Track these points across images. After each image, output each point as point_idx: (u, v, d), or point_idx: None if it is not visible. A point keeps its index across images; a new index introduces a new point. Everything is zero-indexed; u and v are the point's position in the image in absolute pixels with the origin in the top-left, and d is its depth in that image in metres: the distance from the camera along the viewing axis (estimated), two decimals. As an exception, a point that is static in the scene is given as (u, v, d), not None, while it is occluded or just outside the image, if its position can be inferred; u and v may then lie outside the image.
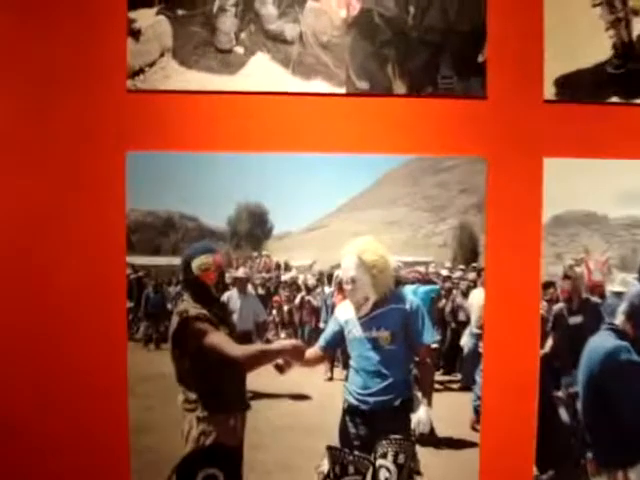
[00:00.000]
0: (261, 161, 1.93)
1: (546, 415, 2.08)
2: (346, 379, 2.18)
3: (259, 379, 1.88)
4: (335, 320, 2.25)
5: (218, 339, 1.73)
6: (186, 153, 1.86)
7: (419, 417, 2.01)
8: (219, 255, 1.94)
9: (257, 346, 1.94)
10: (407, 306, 2.09)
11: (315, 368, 2.25)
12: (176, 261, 2.00)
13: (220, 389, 1.75)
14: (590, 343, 1.93)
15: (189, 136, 1.85)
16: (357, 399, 2.04)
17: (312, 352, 2.15)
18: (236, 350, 1.71)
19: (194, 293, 1.87)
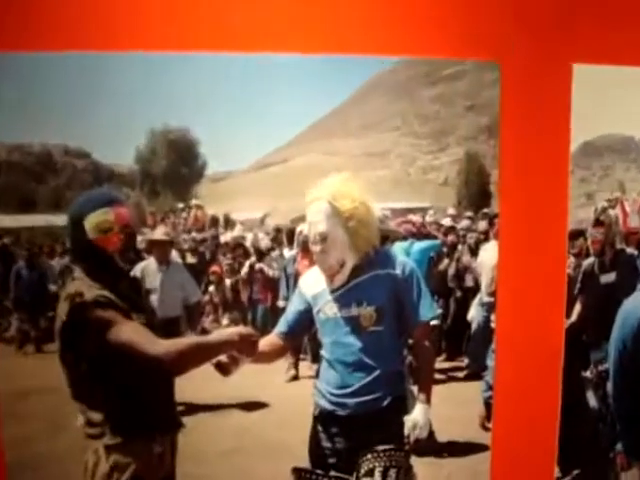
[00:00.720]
0: (187, 65, 1.78)
1: (571, 402, 2.15)
2: (317, 376, 2.18)
3: (194, 386, 1.83)
4: (300, 296, 2.20)
5: (130, 333, 1.61)
6: (71, 53, 1.68)
7: (415, 419, 2.00)
8: (125, 208, 1.80)
9: (188, 339, 1.82)
10: (397, 271, 2.05)
11: (273, 365, 2.21)
12: (60, 220, 1.84)
13: (137, 404, 1.66)
14: (624, 307, 1.98)
15: (74, 28, 1.66)
16: (332, 402, 2.03)
17: (268, 342, 2.12)
18: (158, 347, 1.61)
19: (90, 266, 1.73)
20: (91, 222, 1.71)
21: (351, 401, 2.00)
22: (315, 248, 2.05)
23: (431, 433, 2.15)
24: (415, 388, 2.10)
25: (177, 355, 1.60)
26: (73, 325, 1.61)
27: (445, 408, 2.28)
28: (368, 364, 1.99)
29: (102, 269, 1.73)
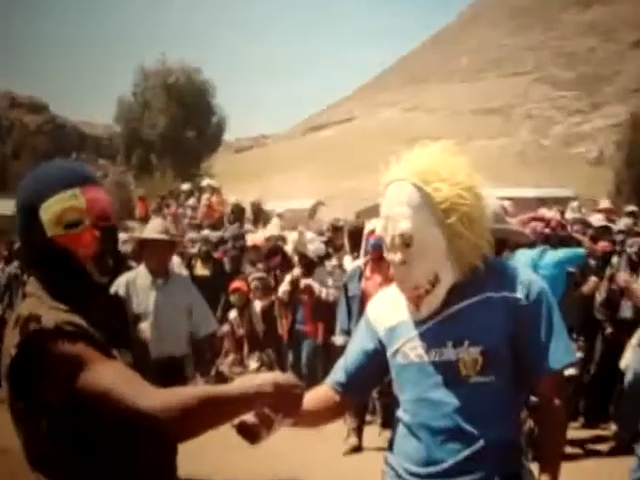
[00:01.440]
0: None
1: None
2: (389, 448, 2.18)
3: (206, 458, 1.79)
4: (367, 328, 2.22)
5: (110, 378, 1.58)
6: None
7: (533, 512, 1.94)
8: (101, 190, 1.76)
9: (197, 389, 1.80)
10: (519, 294, 2.01)
11: (324, 429, 2.25)
12: (4, 207, 1.83)
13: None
14: None
15: None
16: (414, 486, 1.98)
17: (318, 397, 2.14)
18: (151, 399, 1.57)
19: (50, 278, 1.70)
20: (51, 211, 1.67)
21: None
22: (394, 257, 1.99)
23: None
24: (535, 466, 2.06)
25: (180, 412, 1.56)
26: (26, 363, 1.57)
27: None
28: (468, 431, 1.96)
29: (68, 282, 1.69)
